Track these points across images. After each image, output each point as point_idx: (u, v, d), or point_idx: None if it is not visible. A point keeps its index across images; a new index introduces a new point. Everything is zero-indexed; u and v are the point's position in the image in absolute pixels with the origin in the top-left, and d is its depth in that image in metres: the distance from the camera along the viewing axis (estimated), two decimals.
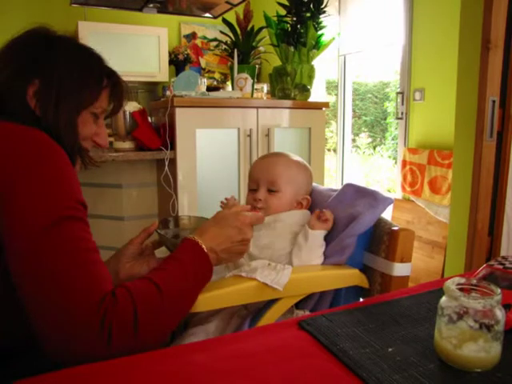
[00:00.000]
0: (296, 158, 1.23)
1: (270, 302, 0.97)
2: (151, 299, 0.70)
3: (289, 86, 2.50)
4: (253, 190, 1.18)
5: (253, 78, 2.52)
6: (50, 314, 0.64)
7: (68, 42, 0.84)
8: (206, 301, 0.86)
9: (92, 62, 0.86)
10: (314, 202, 1.22)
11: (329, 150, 5.66)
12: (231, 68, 2.56)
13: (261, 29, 2.65)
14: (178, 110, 2.15)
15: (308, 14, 2.48)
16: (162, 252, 1.08)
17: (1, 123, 0.74)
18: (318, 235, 1.06)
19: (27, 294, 0.65)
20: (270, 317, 0.96)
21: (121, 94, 0.90)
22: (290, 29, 2.52)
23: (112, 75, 0.88)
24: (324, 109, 2.58)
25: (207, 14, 3.07)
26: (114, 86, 0.88)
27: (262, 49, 2.78)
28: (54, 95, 0.79)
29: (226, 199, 1.19)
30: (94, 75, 0.84)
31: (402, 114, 2.80)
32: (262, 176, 1.16)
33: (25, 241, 0.65)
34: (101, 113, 0.87)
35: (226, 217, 0.90)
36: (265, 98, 2.80)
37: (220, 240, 0.86)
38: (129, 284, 0.71)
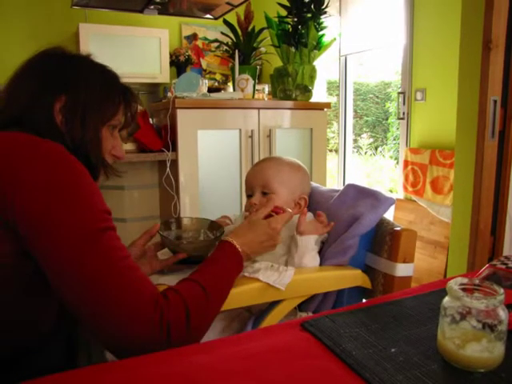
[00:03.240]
0: (288, 159, 1.24)
1: (273, 304, 0.97)
2: (199, 300, 0.76)
3: (290, 86, 2.50)
4: (249, 196, 1.21)
5: (254, 79, 2.53)
6: (112, 321, 0.68)
7: (87, 60, 0.89)
8: None
9: (111, 78, 0.90)
10: (316, 203, 1.22)
11: (330, 150, 5.66)
12: (232, 69, 2.56)
13: (262, 29, 2.65)
14: (179, 112, 2.15)
15: (309, 15, 2.48)
16: (164, 254, 1.08)
17: (17, 134, 0.75)
18: (307, 240, 1.05)
19: (80, 307, 0.69)
20: (273, 318, 0.96)
21: (135, 110, 0.94)
22: (290, 29, 2.52)
23: (128, 92, 0.92)
24: (325, 109, 2.58)
25: (208, 15, 3.06)
26: (129, 101, 0.92)
27: (263, 49, 2.79)
28: (80, 110, 0.82)
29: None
30: (113, 90, 0.88)
31: (403, 114, 2.79)
32: (255, 181, 1.19)
33: (67, 262, 0.68)
34: (117, 125, 0.91)
35: (259, 223, 0.99)
36: (266, 98, 2.80)
37: (252, 245, 0.95)
38: (178, 287, 0.76)
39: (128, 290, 0.69)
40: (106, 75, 0.89)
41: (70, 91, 0.82)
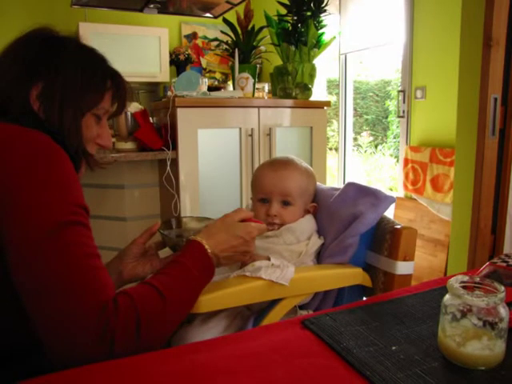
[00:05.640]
0: (303, 165, 1.21)
1: (274, 302, 0.97)
2: (153, 307, 0.69)
3: (290, 85, 2.49)
4: (263, 201, 1.16)
5: (254, 78, 2.52)
6: (52, 319, 0.64)
7: (72, 43, 0.84)
8: (211, 301, 0.86)
9: (96, 63, 0.85)
10: (316, 201, 1.22)
11: (330, 148, 5.66)
12: (232, 68, 2.56)
13: (261, 28, 2.64)
14: (179, 110, 2.15)
15: (309, 13, 2.47)
16: (165, 253, 1.08)
17: (2, 125, 0.73)
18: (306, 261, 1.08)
19: (29, 300, 0.65)
20: (273, 316, 0.96)
21: (124, 96, 0.90)
22: (290, 28, 2.51)
23: (116, 77, 0.87)
24: (325, 108, 2.58)
25: (208, 14, 3.06)
26: (118, 87, 0.87)
27: (262, 48, 2.78)
28: (58, 97, 0.78)
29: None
30: (97, 77, 0.83)
31: (403, 112, 2.79)
32: (276, 189, 1.14)
33: (25, 248, 0.64)
34: (103, 114, 0.86)
35: (234, 225, 0.90)
36: (266, 97, 2.80)
37: (225, 247, 0.86)
38: (131, 291, 0.70)
39: (76, 290, 0.64)
40: (90, 61, 0.83)
41: (47, 78, 0.78)
